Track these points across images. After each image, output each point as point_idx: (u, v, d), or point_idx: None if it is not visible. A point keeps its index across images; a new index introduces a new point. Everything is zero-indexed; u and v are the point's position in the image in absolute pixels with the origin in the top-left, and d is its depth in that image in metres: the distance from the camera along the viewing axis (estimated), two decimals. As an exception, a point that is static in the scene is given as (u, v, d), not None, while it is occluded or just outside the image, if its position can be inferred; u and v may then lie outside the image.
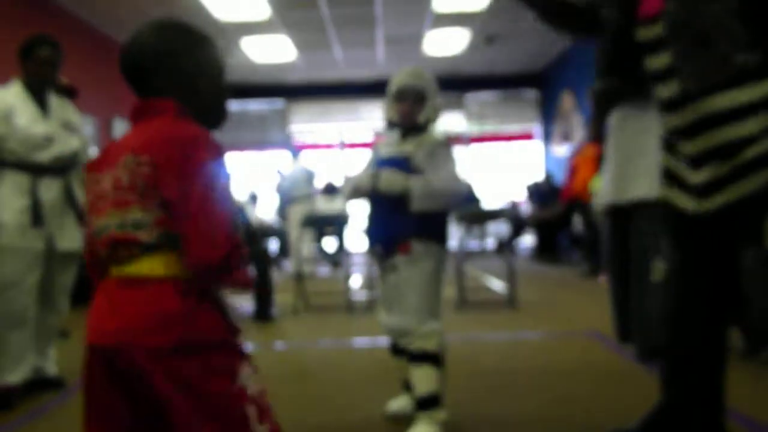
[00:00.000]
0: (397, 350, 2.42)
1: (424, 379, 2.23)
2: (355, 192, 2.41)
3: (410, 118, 2.37)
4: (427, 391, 2.21)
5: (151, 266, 1.16)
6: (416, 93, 2.37)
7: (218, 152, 1.18)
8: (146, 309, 1.13)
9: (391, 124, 2.44)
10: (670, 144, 1.43)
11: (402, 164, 2.34)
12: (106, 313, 1.17)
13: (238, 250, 1.18)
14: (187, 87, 1.27)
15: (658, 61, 1.40)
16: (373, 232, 2.42)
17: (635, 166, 1.84)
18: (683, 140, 1.38)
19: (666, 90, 1.40)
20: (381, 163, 2.41)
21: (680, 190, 1.41)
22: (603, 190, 2.00)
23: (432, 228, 2.34)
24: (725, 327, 1.47)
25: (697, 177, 1.35)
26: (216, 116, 1.33)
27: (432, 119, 2.41)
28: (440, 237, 2.38)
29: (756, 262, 1.30)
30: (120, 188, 1.18)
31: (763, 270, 1.30)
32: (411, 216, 2.28)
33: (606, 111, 2.03)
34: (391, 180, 2.29)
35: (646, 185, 1.83)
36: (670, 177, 1.45)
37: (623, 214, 1.92)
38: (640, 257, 1.85)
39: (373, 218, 2.43)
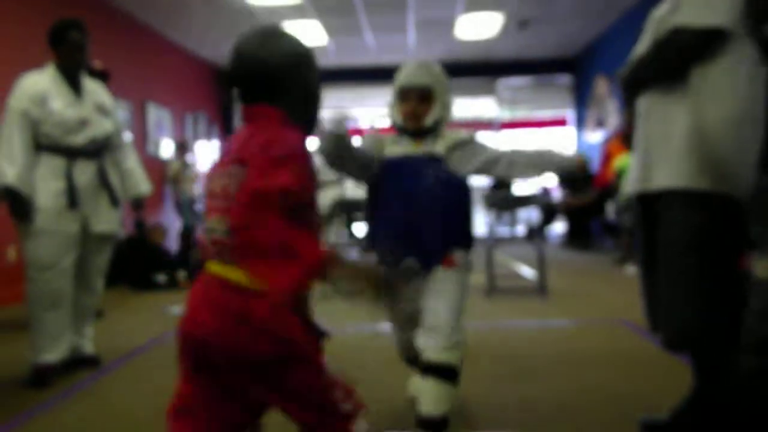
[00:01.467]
0: (411, 360, 2.28)
1: (439, 397, 2.00)
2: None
3: (416, 119, 2.11)
4: (439, 413, 2.00)
5: (246, 277, 1.22)
6: (422, 91, 2.11)
7: (305, 152, 1.27)
8: (241, 317, 1.21)
9: (396, 128, 2.18)
10: None
11: (437, 164, 2.10)
12: (206, 308, 1.25)
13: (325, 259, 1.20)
14: (298, 97, 1.35)
15: None
16: (404, 243, 2.08)
17: (659, 154, 1.80)
18: None
19: None
20: (396, 164, 2.13)
21: None
22: (629, 178, 1.97)
23: (469, 234, 2.17)
24: None
25: None
26: (314, 124, 1.42)
27: (442, 120, 2.15)
28: (472, 242, 2.19)
29: None
30: (227, 196, 1.26)
31: None
32: (458, 224, 2.11)
33: (633, 98, 1.99)
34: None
35: (670, 174, 1.79)
36: None
37: (650, 202, 1.88)
38: (666, 247, 1.81)
39: (403, 227, 2.09)
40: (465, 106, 10.91)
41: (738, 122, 1.74)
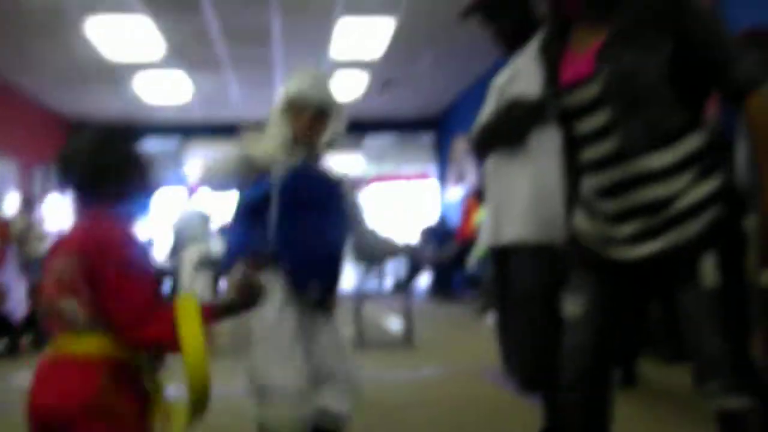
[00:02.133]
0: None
1: None
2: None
3: (309, 136, 1.96)
4: None
5: (81, 346, 1.33)
6: (320, 106, 1.96)
7: (133, 244, 1.42)
8: (76, 385, 1.31)
9: (282, 141, 1.99)
10: (589, 202, 1.53)
11: (333, 191, 2.04)
12: (42, 389, 1.35)
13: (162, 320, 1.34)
14: (119, 189, 1.45)
15: (590, 123, 1.48)
16: (309, 264, 1.94)
17: (507, 211, 1.96)
18: (606, 199, 1.48)
19: (596, 150, 1.48)
20: (297, 179, 1.95)
21: (603, 242, 1.51)
22: (483, 233, 2.13)
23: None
24: (612, 364, 1.57)
25: (623, 231, 1.46)
26: (147, 209, 1.53)
27: (336, 141, 2.05)
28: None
29: (696, 301, 1.42)
30: (59, 281, 1.36)
31: (704, 308, 1.41)
32: (341, 265, 2.03)
33: (482, 159, 2.16)
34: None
35: (516, 229, 1.96)
36: (590, 231, 1.54)
37: (502, 254, 2.03)
38: (514, 297, 1.96)
39: (312, 249, 1.95)
40: (334, 162, 11.09)
41: None
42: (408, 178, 11.65)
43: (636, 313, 1.59)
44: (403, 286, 6.67)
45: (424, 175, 11.63)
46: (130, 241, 1.42)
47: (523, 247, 1.94)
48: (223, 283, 7.82)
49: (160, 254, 8.84)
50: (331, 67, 7.87)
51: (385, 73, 8.23)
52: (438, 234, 9.43)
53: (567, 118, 1.54)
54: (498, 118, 2.01)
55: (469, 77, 8.74)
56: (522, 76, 1.96)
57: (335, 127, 2.02)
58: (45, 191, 8.92)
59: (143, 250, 1.47)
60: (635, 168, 1.42)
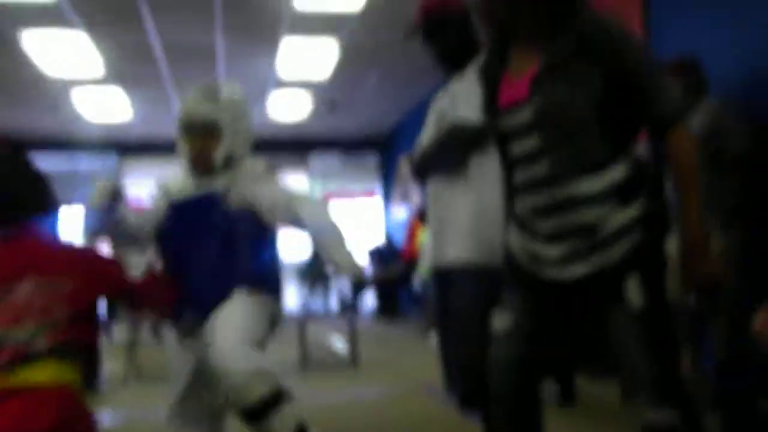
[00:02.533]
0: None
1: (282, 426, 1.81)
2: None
3: (203, 161, 1.93)
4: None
5: (39, 374, 1.32)
6: (205, 126, 1.91)
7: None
8: (29, 416, 1.26)
9: (187, 167, 1.97)
10: (523, 222, 1.58)
11: (210, 204, 1.92)
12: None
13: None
14: (38, 208, 1.51)
15: (523, 146, 1.53)
16: (185, 291, 1.90)
17: (448, 233, 1.99)
18: (540, 219, 1.53)
19: (528, 172, 1.54)
20: (178, 207, 1.97)
21: (534, 262, 1.56)
22: (425, 254, 2.16)
23: (257, 278, 1.95)
24: (540, 379, 1.61)
25: (554, 251, 1.51)
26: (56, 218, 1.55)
27: (238, 150, 1.94)
28: (273, 289, 2.02)
29: (623, 321, 1.46)
30: (24, 306, 1.35)
31: (629, 328, 1.46)
32: (241, 264, 1.90)
33: (423, 181, 2.19)
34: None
35: (457, 251, 1.99)
36: (523, 250, 1.59)
37: (443, 275, 2.06)
38: (455, 315, 1.99)
39: (186, 273, 1.92)
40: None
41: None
42: (353, 197, 11.68)
43: (569, 331, 1.63)
44: (349, 306, 6.64)
45: (369, 194, 11.67)
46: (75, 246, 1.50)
47: (463, 268, 1.97)
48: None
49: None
50: (277, 86, 7.86)
51: (330, 93, 8.26)
52: (384, 253, 9.45)
53: (503, 141, 1.59)
54: (438, 142, 2.04)
55: (415, 98, 8.85)
56: (462, 100, 2.00)
57: (233, 141, 1.94)
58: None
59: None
60: (563, 193, 1.49)
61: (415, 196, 9.37)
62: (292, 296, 8.61)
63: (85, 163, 10.45)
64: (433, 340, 6.32)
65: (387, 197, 11.26)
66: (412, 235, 8.08)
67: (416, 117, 9.64)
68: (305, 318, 5.36)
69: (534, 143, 1.51)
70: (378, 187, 11.61)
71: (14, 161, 1.52)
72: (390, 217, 10.92)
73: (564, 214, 1.49)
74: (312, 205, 2.01)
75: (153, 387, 4.65)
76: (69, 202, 11.35)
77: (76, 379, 1.37)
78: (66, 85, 7.31)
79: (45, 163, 10.65)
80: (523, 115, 1.51)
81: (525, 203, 1.56)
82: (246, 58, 6.86)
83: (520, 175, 1.56)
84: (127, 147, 10.38)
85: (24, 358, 1.32)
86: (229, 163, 1.95)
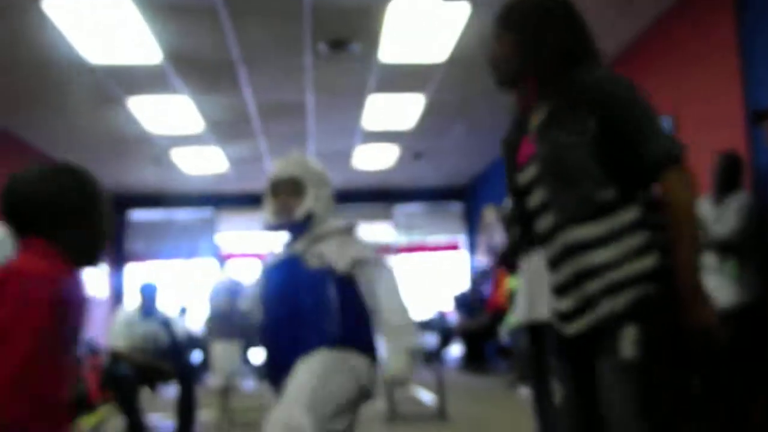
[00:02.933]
0: None
1: None
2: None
3: (286, 213, 1.99)
4: None
5: None
6: (291, 183, 2.01)
7: (65, 293, 1.23)
8: None
9: (268, 228, 2.06)
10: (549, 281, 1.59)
11: (291, 266, 1.97)
12: None
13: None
14: (61, 226, 1.35)
15: (534, 199, 1.57)
16: (272, 355, 1.95)
17: (540, 290, 1.98)
18: (552, 271, 1.54)
19: (540, 225, 1.56)
20: (269, 271, 2.04)
21: (557, 320, 1.56)
22: (518, 308, 2.15)
23: (348, 337, 1.92)
24: None
25: (562, 305, 1.52)
26: (92, 248, 1.41)
27: (319, 212, 2.01)
28: (360, 345, 1.96)
29: (611, 371, 1.42)
30: None
31: (616, 379, 1.42)
32: (321, 327, 1.89)
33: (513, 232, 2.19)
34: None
35: (546, 308, 1.97)
36: (552, 310, 1.59)
37: (537, 332, 2.05)
38: (546, 374, 1.96)
39: (273, 337, 1.98)
40: (364, 231, 11.20)
41: None
42: (437, 247, 11.68)
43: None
44: (435, 357, 6.59)
45: (453, 246, 11.64)
46: (71, 286, 1.27)
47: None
48: (251, 353, 7.79)
49: (193, 324, 8.91)
50: (363, 138, 8.07)
51: (415, 144, 8.40)
52: (469, 303, 9.34)
53: (521, 196, 1.62)
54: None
55: (495, 150, 8.86)
56: None
57: (315, 203, 2.01)
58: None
59: (80, 309, 1.29)
60: (567, 239, 1.49)
61: (501, 245, 9.26)
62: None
63: (183, 215, 11.01)
64: (523, 392, 6.15)
65: (472, 246, 11.19)
66: (497, 285, 7.97)
67: (500, 166, 9.61)
68: (392, 369, 5.35)
69: (541, 195, 1.54)
70: (462, 236, 11.58)
71: (74, 177, 1.42)
72: (475, 266, 10.83)
73: (568, 262, 1.48)
74: (389, 290, 1.99)
75: (245, 435, 4.75)
76: (168, 252, 11.83)
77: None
78: (168, 143, 7.79)
79: (146, 214, 11.20)
80: (532, 170, 1.56)
81: (544, 259, 1.57)
82: (334, 113, 7.12)
83: (536, 231, 1.58)
84: (223, 200, 10.87)
85: None
86: (310, 222, 2.01)
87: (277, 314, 1.96)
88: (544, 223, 1.54)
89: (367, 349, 1.98)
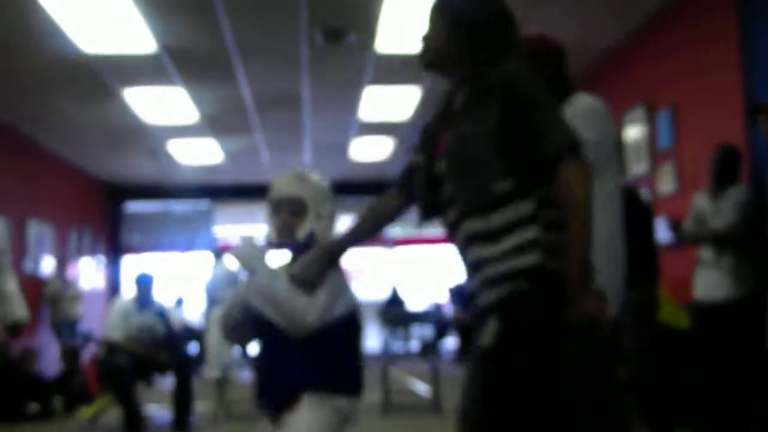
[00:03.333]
0: None
1: None
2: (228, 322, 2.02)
3: (287, 233, 2.00)
4: None
5: None
6: (292, 203, 2.01)
7: None
8: None
9: (270, 244, 2.07)
10: None
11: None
12: None
13: None
14: None
15: (444, 191, 1.60)
16: (260, 388, 1.99)
17: None
18: (461, 259, 1.60)
19: (449, 215, 1.60)
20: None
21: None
22: None
23: (335, 375, 1.93)
24: None
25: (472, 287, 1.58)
26: None
27: (320, 231, 2.02)
28: (347, 386, 1.96)
29: (471, 356, 1.52)
30: None
31: (472, 363, 1.51)
32: (309, 361, 1.90)
33: None
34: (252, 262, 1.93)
35: None
36: None
37: None
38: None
39: (260, 367, 2.03)
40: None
41: (605, 241, 1.80)
42: (434, 240, 11.68)
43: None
44: (430, 349, 6.60)
45: (447, 239, 11.65)
46: None
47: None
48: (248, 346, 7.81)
49: (190, 316, 8.90)
50: (359, 130, 8.05)
51: (412, 136, 8.38)
52: (464, 295, 9.36)
53: (436, 188, 1.64)
54: None
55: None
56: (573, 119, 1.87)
57: (316, 222, 2.03)
58: (79, 253, 9.11)
59: None
60: (467, 230, 1.53)
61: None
62: (373, 338, 8.64)
63: (180, 207, 10.99)
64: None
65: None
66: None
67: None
68: (388, 361, 5.36)
69: (449, 187, 1.58)
70: (459, 228, 11.59)
71: None
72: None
73: (469, 252, 1.54)
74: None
75: (243, 425, 4.76)
76: (164, 244, 11.87)
77: None
78: (163, 134, 7.76)
79: (142, 206, 11.21)
80: (441, 162, 1.59)
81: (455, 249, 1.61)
82: (330, 105, 7.09)
83: (447, 221, 1.61)
84: (219, 192, 10.85)
85: None
86: (312, 242, 2.01)
87: (269, 339, 1.98)
88: (451, 213, 1.58)
89: (353, 388, 1.98)
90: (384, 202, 1.97)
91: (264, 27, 5.06)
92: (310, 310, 1.87)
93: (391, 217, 1.96)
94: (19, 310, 3.05)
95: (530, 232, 1.47)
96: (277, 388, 1.93)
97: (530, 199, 1.49)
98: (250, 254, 1.97)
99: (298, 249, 2.02)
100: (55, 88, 6.09)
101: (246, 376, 8.32)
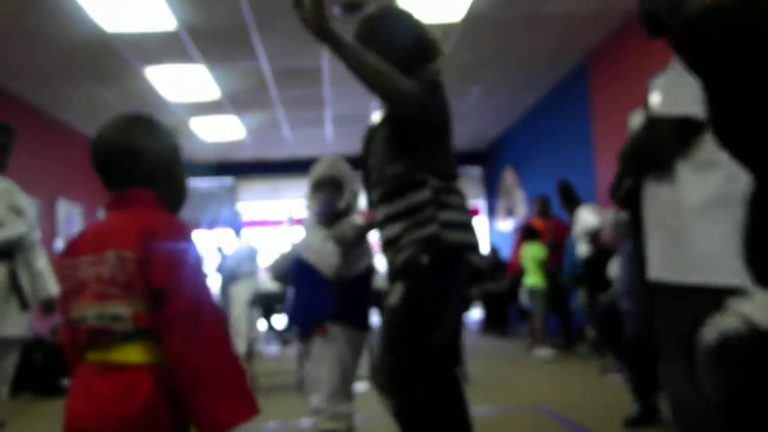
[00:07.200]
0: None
1: None
2: (278, 267, 2.67)
3: (331, 205, 2.54)
4: None
5: (127, 354, 1.22)
6: (333, 182, 2.54)
7: (190, 236, 1.31)
8: (120, 394, 1.19)
9: (313, 214, 2.62)
10: None
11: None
12: (82, 397, 1.23)
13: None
14: (160, 178, 1.38)
15: (372, 176, 2.04)
16: (293, 313, 2.60)
17: (691, 248, 1.64)
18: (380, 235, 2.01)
19: (374, 196, 2.04)
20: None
21: None
22: (653, 265, 1.74)
23: (350, 312, 2.47)
24: None
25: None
26: (182, 200, 1.48)
27: (352, 204, 2.58)
28: (358, 321, 2.50)
29: (383, 312, 1.91)
30: (101, 282, 1.24)
31: (384, 318, 1.87)
32: (330, 298, 2.43)
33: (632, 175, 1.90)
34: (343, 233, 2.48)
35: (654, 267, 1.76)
36: None
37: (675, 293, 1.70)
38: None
39: (295, 300, 2.59)
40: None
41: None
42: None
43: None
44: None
45: (474, 211, 11.61)
46: (190, 234, 1.30)
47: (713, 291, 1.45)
48: (273, 319, 7.90)
49: (213, 290, 9.00)
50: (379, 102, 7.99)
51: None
52: (490, 266, 9.34)
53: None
54: (634, 144, 1.78)
55: (517, 110, 8.75)
56: (663, 94, 1.76)
57: (351, 196, 2.56)
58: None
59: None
60: (379, 214, 1.96)
61: (521, 208, 9.22)
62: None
63: (203, 183, 11.08)
64: (541, 354, 6.18)
65: (491, 210, 11.15)
66: (517, 249, 7.96)
67: (518, 129, 9.54)
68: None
69: (372, 176, 2.03)
70: (482, 201, 11.54)
71: (135, 125, 1.42)
72: (494, 230, 10.80)
73: (383, 231, 1.96)
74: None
75: (269, 397, 4.84)
76: (189, 221, 12.01)
77: (165, 362, 1.21)
78: (186, 112, 7.80)
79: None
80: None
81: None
82: (350, 78, 7.04)
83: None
84: (242, 168, 10.90)
85: (110, 336, 1.21)
86: (349, 211, 2.54)
87: (306, 280, 2.53)
88: (375, 195, 1.99)
89: (362, 324, 2.55)
90: None
91: (282, 1, 5.02)
92: (336, 259, 2.44)
93: None
94: (53, 286, 3.12)
95: (428, 212, 1.84)
96: (308, 315, 2.48)
97: (427, 186, 1.87)
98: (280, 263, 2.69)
99: (338, 216, 2.53)
100: (78, 68, 6.14)
101: (272, 349, 8.45)
